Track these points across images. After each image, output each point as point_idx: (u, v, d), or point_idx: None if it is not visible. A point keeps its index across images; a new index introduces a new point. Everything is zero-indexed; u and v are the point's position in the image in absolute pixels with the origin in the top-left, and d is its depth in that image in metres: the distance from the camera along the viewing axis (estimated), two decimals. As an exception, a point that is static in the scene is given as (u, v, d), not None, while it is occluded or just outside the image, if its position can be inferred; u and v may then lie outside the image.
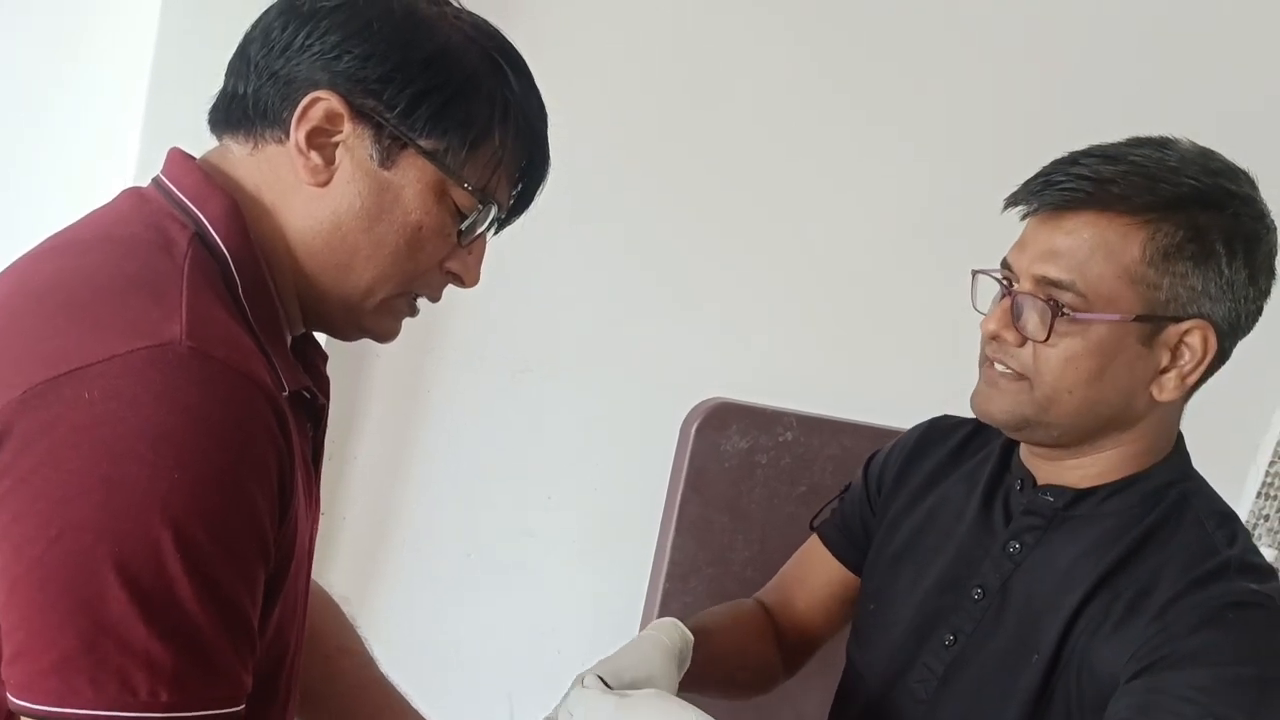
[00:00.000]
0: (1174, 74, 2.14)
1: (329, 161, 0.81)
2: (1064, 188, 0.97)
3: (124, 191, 0.85)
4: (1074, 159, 1.00)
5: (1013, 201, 1.02)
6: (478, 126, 0.83)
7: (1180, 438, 1.08)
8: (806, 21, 2.02)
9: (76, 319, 0.70)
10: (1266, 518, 2.42)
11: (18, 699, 0.67)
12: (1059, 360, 0.98)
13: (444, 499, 2.12)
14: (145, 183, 0.86)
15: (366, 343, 1.94)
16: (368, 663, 1.14)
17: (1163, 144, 1.00)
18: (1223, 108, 2.09)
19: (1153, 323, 0.97)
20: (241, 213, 0.81)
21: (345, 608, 1.15)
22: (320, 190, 0.81)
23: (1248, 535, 1.03)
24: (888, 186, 2.12)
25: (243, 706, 0.73)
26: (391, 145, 0.81)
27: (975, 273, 1.07)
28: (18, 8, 1.62)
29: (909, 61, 2.08)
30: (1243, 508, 2.41)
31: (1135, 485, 1.04)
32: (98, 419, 0.66)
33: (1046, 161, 1.03)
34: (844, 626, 1.32)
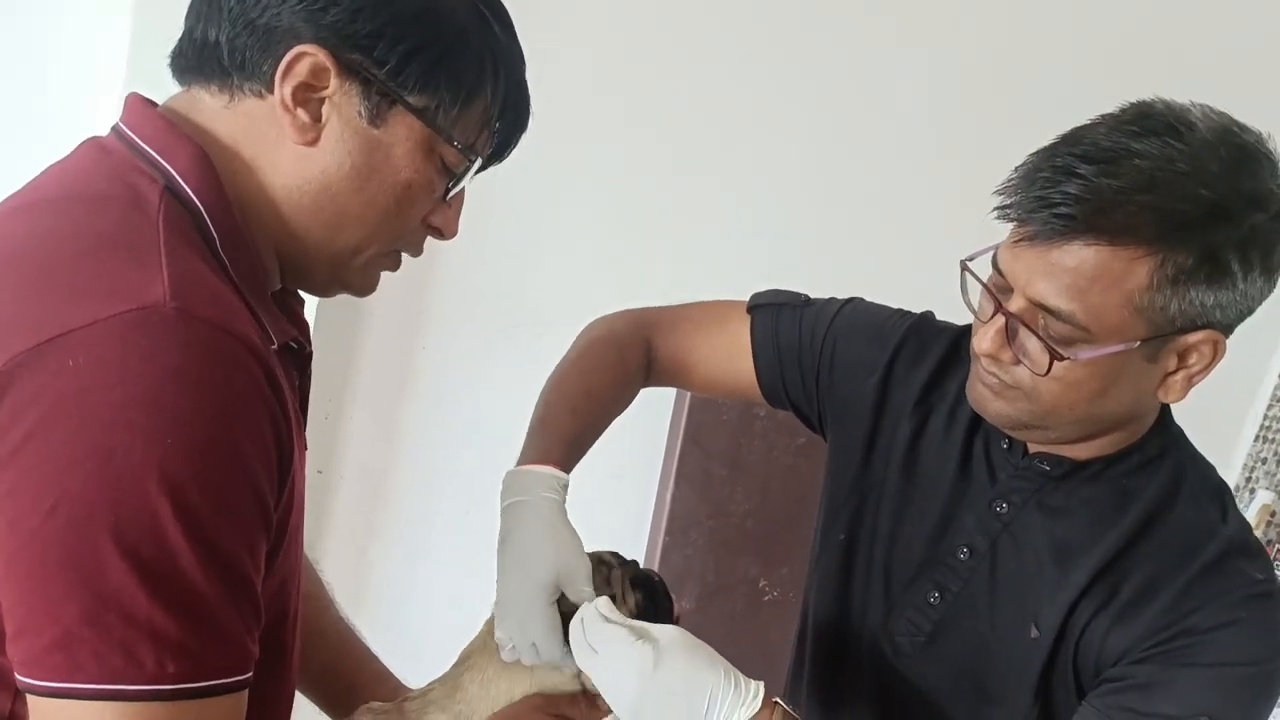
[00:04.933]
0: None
1: (316, 119, 0.78)
2: (1060, 213, 0.87)
3: (84, 143, 0.81)
4: (1069, 168, 0.87)
5: (1004, 215, 0.92)
6: (469, 84, 0.81)
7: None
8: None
9: (54, 284, 0.68)
10: (1264, 460, 2.43)
11: (24, 676, 0.66)
12: (1059, 387, 0.93)
13: (440, 457, 2.12)
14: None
15: (358, 303, 1.92)
16: (327, 607, 1.13)
17: (1173, 131, 0.87)
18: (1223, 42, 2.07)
19: (1159, 340, 0.91)
20: (211, 162, 0.77)
21: (309, 553, 1.13)
22: (308, 149, 0.78)
23: (1236, 508, 1.03)
24: (886, 145, 2.10)
25: (251, 675, 0.71)
26: (381, 103, 0.78)
27: (964, 266, 0.97)
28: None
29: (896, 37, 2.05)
30: (1240, 451, 2.42)
31: (1131, 456, 1.01)
32: (85, 387, 0.64)
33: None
34: None
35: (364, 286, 0.88)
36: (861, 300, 1.21)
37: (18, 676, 0.66)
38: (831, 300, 1.21)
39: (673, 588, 1.12)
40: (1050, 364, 0.91)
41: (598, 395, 1.16)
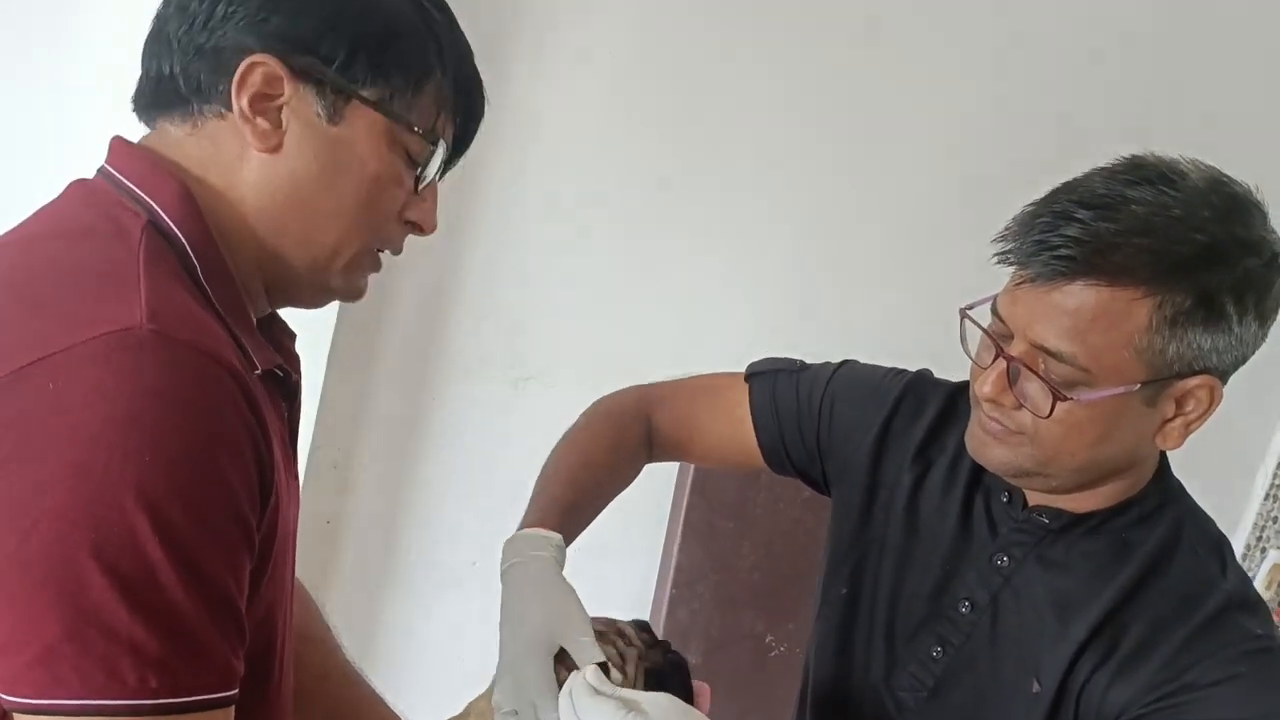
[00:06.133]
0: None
1: (276, 125, 0.80)
2: (1060, 255, 0.89)
3: (71, 184, 0.83)
4: (1067, 213, 0.90)
5: (1003, 259, 0.94)
6: (417, 67, 0.82)
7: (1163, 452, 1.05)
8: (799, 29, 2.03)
9: (36, 311, 0.70)
10: (1275, 520, 2.41)
11: (7, 694, 0.66)
12: (1061, 430, 0.93)
13: (449, 508, 2.12)
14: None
15: (369, 355, 1.92)
16: (333, 650, 1.13)
17: (1166, 180, 0.91)
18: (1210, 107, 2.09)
19: (1158, 384, 0.92)
20: (193, 196, 0.79)
21: (313, 594, 1.13)
22: (272, 156, 0.80)
23: (1235, 561, 1.03)
24: (887, 200, 2.12)
25: (235, 692, 0.71)
26: (337, 100, 0.80)
27: (963, 314, 0.99)
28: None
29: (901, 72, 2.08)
30: (1250, 510, 2.40)
31: (1131, 509, 1.02)
32: (64, 407, 0.65)
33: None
34: None
35: (350, 290, 0.89)
36: (856, 362, 1.24)
37: (1, 695, 0.67)
38: (826, 364, 1.24)
39: (678, 643, 1.11)
40: (1053, 406, 0.92)
41: (594, 467, 1.18)
